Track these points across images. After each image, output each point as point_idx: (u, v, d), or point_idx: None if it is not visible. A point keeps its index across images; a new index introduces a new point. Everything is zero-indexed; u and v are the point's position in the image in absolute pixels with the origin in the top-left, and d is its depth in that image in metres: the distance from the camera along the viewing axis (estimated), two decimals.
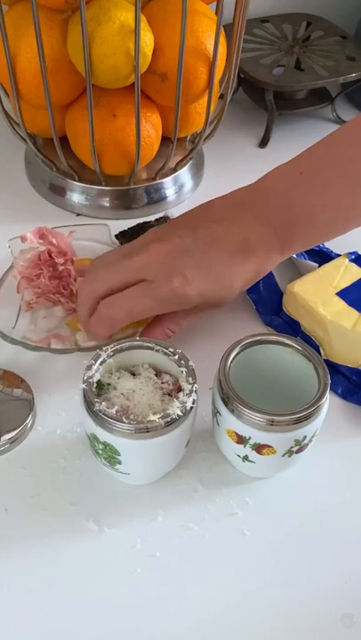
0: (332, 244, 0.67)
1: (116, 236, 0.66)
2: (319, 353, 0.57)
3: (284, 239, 0.53)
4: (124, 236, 0.66)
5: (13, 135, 0.71)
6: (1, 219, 0.69)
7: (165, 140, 0.70)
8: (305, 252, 0.66)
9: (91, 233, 0.64)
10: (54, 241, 0.61)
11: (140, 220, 0.69)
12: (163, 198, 0.73)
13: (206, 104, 0.66)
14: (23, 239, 0.61)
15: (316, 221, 0.53)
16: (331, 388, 0.47)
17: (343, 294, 0.59)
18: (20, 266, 0.60)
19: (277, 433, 0.44)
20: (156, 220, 0.68)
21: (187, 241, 0.51)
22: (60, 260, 0.59)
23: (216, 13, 0.62)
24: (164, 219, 0.68)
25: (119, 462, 0.45)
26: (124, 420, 0.42)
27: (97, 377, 0.45)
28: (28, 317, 0.59)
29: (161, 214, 0.71)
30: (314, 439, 0.47)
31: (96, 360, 0.46)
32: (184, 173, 0.75)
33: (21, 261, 0.60)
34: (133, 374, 0.48)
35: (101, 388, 0.46)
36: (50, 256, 0.60)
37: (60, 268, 0.59)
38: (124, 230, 0.67)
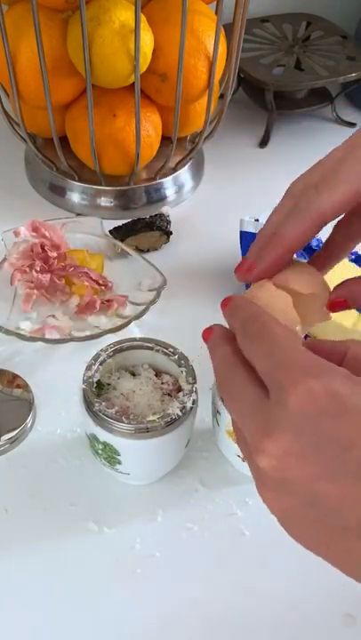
0: None
1: (110, 232, 0.66)
2: None
3: None
4: (118, 232, 0.67)
5: (13, 135, 0.71)
6: (1, 217, 0.69)
7: (165, 139, 0.70)
8: (305, 251, 0.66)
9: (84, 226, 0.65)
10: (47, 234, 0.61)
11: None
12: (162, 198, 0.73)
13: (206, 104, 0.66)
14: (17, 233, 0.61)
15: None
16: None
17: None
18: (13, 258, 0.60)
19: None
20: (151, 216, 0.68)
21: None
22: (53, 254, 0.60)
23: (216, 13, 0.62)
24: (159, 215, 0.68)
25: (119, 462, 0.45)
26: (124, 420, 0.42)
27: (97, 377, 0.45)
28: (22, 308, 0.60)
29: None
30: None
31: (96, 360, 0.46)
32: (184, 173, 0.75)
33: (14, 253, 0.61)
34: (133, 374, 0.48)
35: (101, 388, 0.46)
36: (42, 249, 0.60)
37: (52, 261, 0.60)
38: (118, 226, 0.67)
